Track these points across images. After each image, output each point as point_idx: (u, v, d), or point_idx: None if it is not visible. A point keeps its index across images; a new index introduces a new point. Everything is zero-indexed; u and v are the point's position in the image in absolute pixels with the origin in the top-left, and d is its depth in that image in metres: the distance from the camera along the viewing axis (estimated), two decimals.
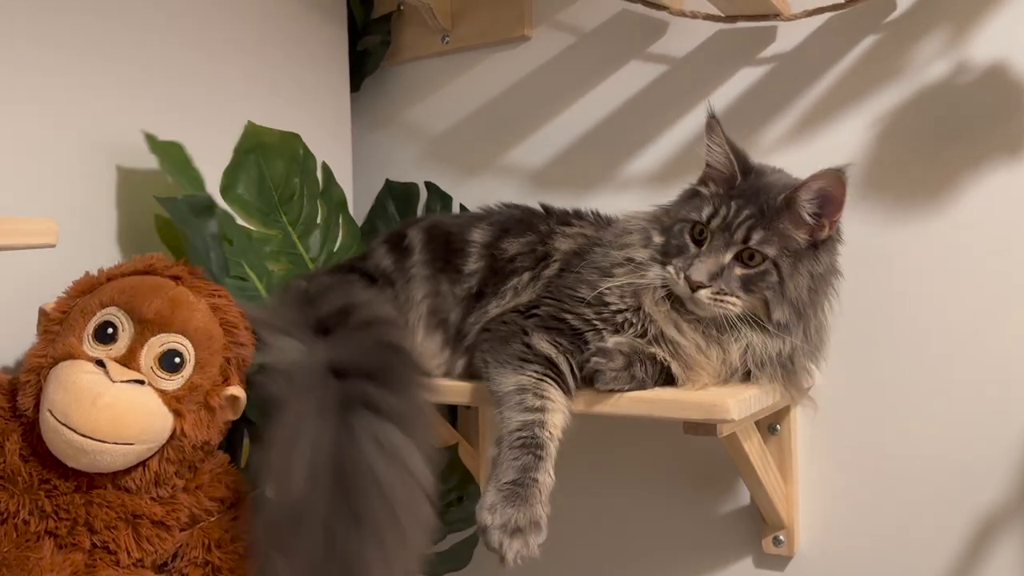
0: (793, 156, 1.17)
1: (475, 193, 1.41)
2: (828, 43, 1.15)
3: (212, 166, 1.12)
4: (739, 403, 0.88)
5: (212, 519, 0.93)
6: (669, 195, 1.24)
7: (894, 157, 1.12)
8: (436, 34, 1.44)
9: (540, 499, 0.86)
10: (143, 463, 0.87)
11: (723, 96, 1.22)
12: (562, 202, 1.18)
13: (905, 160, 1.11)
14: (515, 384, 0.94)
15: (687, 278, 0.94)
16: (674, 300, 0.96)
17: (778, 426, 1.15)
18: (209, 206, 1.01)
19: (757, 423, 1.08)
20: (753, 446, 1.05)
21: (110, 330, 0.87)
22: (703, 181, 1.02)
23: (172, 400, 0.87)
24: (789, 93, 1.18)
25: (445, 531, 1.31)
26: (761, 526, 1.18)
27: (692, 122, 1.24)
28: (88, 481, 0.86)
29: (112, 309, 0.88)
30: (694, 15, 1.17)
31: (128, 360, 0.86)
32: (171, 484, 0.90)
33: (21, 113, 0.98)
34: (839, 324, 1.13)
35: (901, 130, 1.11)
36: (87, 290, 0.91)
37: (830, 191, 0.93)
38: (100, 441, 0.82)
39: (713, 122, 0.99)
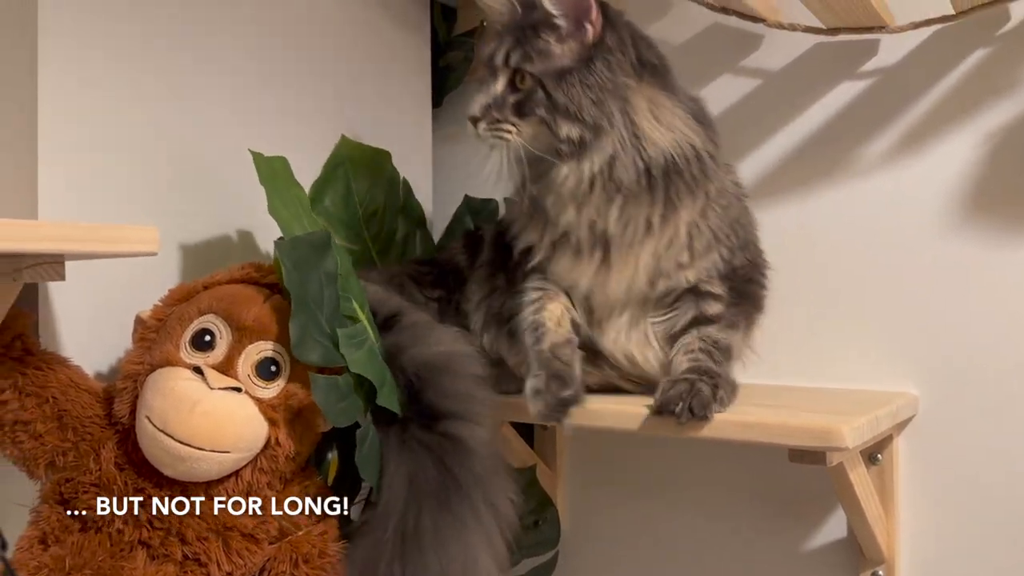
0: (897, 174, 1.13)
1: None
2: (935, 56, 1.11)
3: (301, 179, 1.12)
4: (853, 430, 0.84)
5: (300, 533, 0.91)
6: (765, 210, 1.21)
7: (1005, 175, 1.07)
8: None
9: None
10: (236, 473, 0.86)
11: (822, 110, 1.18)
12: None
13: (1017, 179, 1.06)
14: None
15: (468, 118, 0.96)
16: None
17: (879, 455, 1.10)
18: (327, 242, 0.95)
19: (860, 452, 1.03)
20: (858, 476, 1.00)
21: (208, 337, 0.86)
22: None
23: (268, 408, 0.86)
24: (892, 108, 1.14)
25: (521, 556, 1.27)
26: (859, 560, 1.12)
27: (788, 136, 1.21)
28: (182, 490, 0.85)
29: (210, 316, 0.87)
30: (793, 28, 1.13)
31: (226, 367, 0.86)
32: (263, 495, 0.88)
33: (124, 123, 0.98)
34: (943, 345, 1.08)
35: (1013, 148, 1.06)
36: (184, 298, 0.91)
37: None
38: (198, 448, 0.81)
39: None
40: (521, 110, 0.94)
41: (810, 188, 1.19)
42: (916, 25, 1.07)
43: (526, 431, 1.39)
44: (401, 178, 1.32)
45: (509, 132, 0.94)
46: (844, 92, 1.17)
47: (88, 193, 0.94)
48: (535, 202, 0.99)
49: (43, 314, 0.92)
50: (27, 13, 0.91)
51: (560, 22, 0.93)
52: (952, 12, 1.04)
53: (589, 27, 0.93)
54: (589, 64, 0.93)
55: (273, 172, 1.00)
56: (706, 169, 0.97)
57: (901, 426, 1.10)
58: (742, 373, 1.16)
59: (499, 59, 0.96)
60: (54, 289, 0.93)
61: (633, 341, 1.03)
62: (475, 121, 0.96)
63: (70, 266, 0.82)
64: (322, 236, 0.93)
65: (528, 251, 1.05)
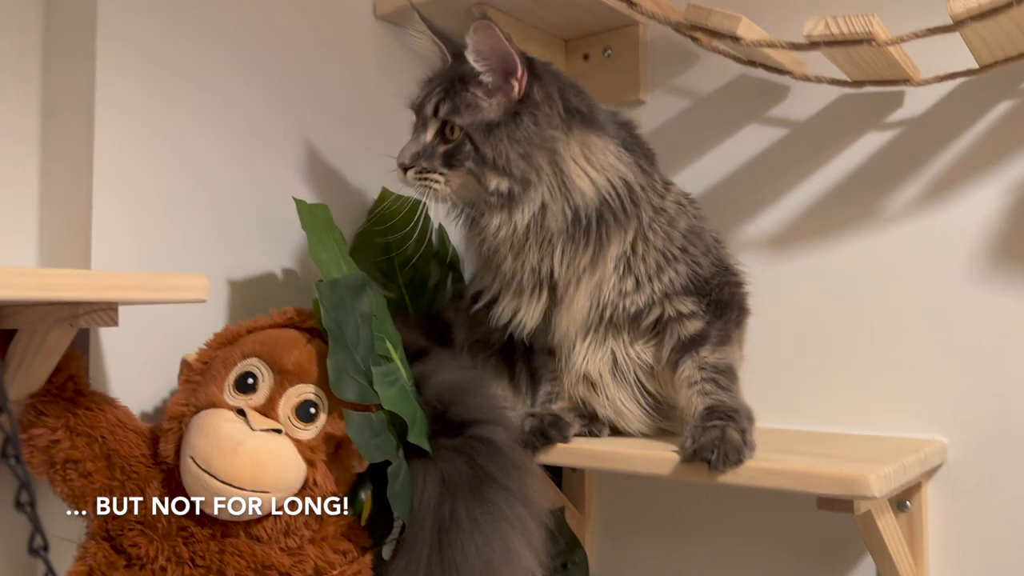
0: (924, 222, 1.14)
1: None
2: (960, 108, 1.13)
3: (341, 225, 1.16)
4: (880, 479, 0.85)
5: (335, 572, 0.93)
6: (789, 258, 1.23)
7: None
8: None
9: None
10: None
11: (848, 159, 1.20)
12: None
13: None
14: None
15: (398, 165, 0.99)
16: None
17: (908, 503, 1.10)
18: (363, 284, 0.99)
19: (888, 499, 1.03)
20: (886, 524, 1.00)
21: (250, 380, 0.90)
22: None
23: (306, 450, 0.89)
24: (918, 159, 1.15)
25: None
26: None
27: (814, 185, 1.23)
28: (223, 529, 0.88)
29: (253, 360, 0.91)
30: (819, 80, 1.16)
31: (267, 409, 0.89)
32: (299, 535, 0.91)
33: (174, 174, 1.03)
34: (972, 393, 1.08)
35: None
36: (229, 341, 0.94)
37: (488, 45, 0.95)
38: (239, 488, 0.84)
39: (411, 11, 1.03)
40: (450, 161, 0.97)
41: (838, 235, 1.21)
42: (941, 78, 1.09)
43: (555, 473, 1.40)
44: (432, 225, 1.36)
45: (437, 182, 0.97)
46: (871, 142, 1.19)
47: (139, 241, 0.99)
48: (483, 256, 1.05)
49: (93, 356, 0.96)
50: (86, 73, 0.96)
51: (486, 78, 0.96)
52: (977, 66, 1.06)
53: (515, 83, 0.96)
54: (516, 118, 0.95)
55: (314, 218, 1.04)
56: (637, 199, 1.01)
57: (930, 473, 1.11)
58: (769, 418, 1.18)
59: (429, 109, 0.98)
60: (104, 332, 0.97)
61: (595, 363, 1.07)
62: (404, 169, 0.99)
63: (120, 310, 0.85)
64: (359, 278, 0.96)
65: (479, 294, 1.10)
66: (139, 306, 0.94)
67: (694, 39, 1.16)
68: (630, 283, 1.03)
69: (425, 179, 0.97)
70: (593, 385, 1.08)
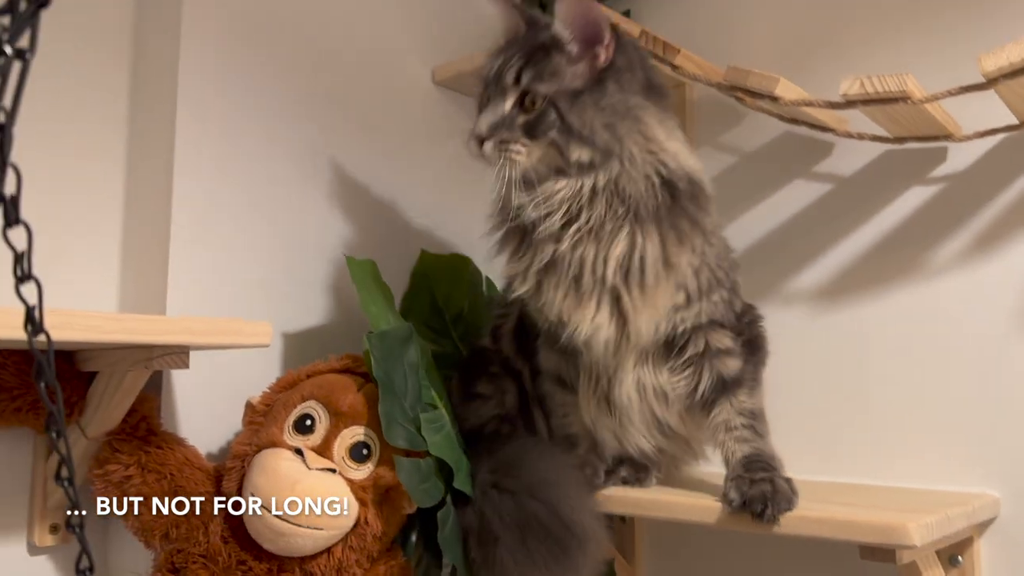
0: (971, 275, 1.15)
1: None
2: (1003, 162, 1.14)
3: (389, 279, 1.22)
4: (921, 528, 0.85)
5: None
6: (836, 310, 1.24)
7: None
8: None
9: None
10: (328, 550, 0.93)
11: (892, 214, 1.22)
12: None
13: None
14: None
15: (473, 136, 0.92)
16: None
17: (960, 557, 1.09)
18: (409, 336, 1.03)
19: (938, 552, 1.03)
20: None
21: (308, 421, 0.95)
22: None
23: (359, 489, 0.93)
24: (962, 213, 1.17)
25: None
26: None
27: (860, 238, 1.24)
28: (279, 565, 0.92)
29: (311, 403, 0.96)
30: (861, 136, 1.18)
31: (323, 450, 0.94)
32: (351, 572, 0.95)
33: (241, 228, 1.11)
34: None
35: None
36: (290, 385, 1.00)
37: (579, 10, 0.90)
38: (295, 525, 0.88)
39: (466, 76, 1.00)
40: (532, 131, 0.91)
41: (884, 289, 1.22)
42: (982, 134, 1.11)
43: None
44: (483, 277, 1.40)
45: (519, 152, 0.91)
46: (915, 196, 1.21)
47: (209, 292, 1.06)
48: (522, 227, 0.96)
49: (165, 399, 1.03)
50: (166, 140, 1.05)
51: (571, 46, 0.92)
52: (1016, 122, 1.08)
53: (601, 50, 0.92)
54: (601, 85, 0.91)
55: (363, 273, 1.10)
56: (709, 200, 0.97)
57: (982, 528, 1.09)
58: (815, 471, 1.18)
59: (509, 78, 0.92)
60: (175, 377, 1.04)
61: (627, 386, 1.03)
62: (481, 140, 0.92)
63: (190, 356, 0.92)
64: (406, 330, 1.02)
65: (511, 284, 1.00)
66: (207, 352, 1.01)
67: (737, 99, 1.21)
68: (682, 296, 0.97)
69: (506, 150, 0.91)
70: (610, 408, 1.05)
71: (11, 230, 0.39)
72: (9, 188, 0.38)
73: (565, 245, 0.93)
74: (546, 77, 0.91)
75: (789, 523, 0.91)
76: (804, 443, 1.24)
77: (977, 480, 1.11)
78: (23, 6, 0.31)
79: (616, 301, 0.95)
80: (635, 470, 1.10)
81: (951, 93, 0.98)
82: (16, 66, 0.33)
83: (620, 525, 1.44)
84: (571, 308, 0.95)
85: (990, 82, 0.94)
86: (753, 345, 1.05)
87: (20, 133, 0.38)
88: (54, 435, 0.46)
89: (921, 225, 1.20)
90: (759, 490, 0.92)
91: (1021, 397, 1.09)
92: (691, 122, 1.43)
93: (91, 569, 0.64)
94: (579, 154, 0.91)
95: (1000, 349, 1.12)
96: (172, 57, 1.06)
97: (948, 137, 1.12)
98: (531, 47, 0.93)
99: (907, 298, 1.20)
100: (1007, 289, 1.12)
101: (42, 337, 0.43)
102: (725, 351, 1.01)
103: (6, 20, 0.32)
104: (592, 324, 0.95)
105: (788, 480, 0.95)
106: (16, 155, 0.38)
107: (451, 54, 1.38)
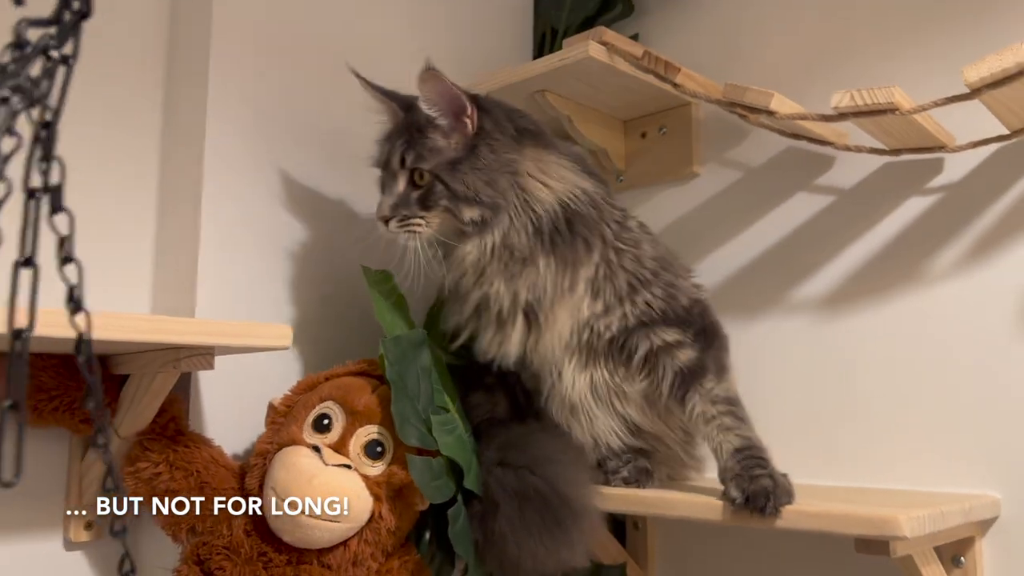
0: (969, 281, 1.18)
1: None
2: (998, 172, 1.17)
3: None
4: (911, 520, 0.88)
5: None
6: (842, 318, 1.28)
7: None
8: (611, 174, 1.58)
9: None
10: (344, 543, 0.98)
11: (892, 224, 1.25)
12: (731, 325, 1.24)
13: None
14: None
15: (378, 218, 1.05)
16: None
17: (962, 558, 1.11)
18: (423, 341, 1.10)
19: (939, 551, 1.05)
20: (933, 574, 1.01)
21: (326, 420, 1.01)
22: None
23: (373, 485, 0.98)
24: (960, 222, 1.20)
25: None
26: None
27: (863, 248, 1.28)
28: (298, 556, 0.97)
29: (329, 403, 1.02)
30: (859, 149, 1.23)
31: (339, 447, 0.99)
32: (367, 566, 0.99)
33: (265, 240, 1.18)
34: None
35: None
36: (310, 388, 1.06)
37: (437, 91, 1.02)
38: (312, 517, 0.93)
39: (356, 76, 1.10)
40: (426, 203, 1.04)
41: (885, 295, 1.25)
42: (974, 144, 1.15)
43: (618, 530, 1.45)
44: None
45: (419, 225, 1.04)
46: (913, 206, 1.24)
47: (235, 300, 1.13)
48: (452, 286, 1.10)
49: (192, 402, 1.09)
50: (196, 156, 1.13)
51: (441, 121, 1.05)
52: (1006, 132, 1.11)
53: (467, 120, 1.05)
54: (475, 151, 1.04)
55: (379, 282, 1.15)
56: (598, 206, 1.07)
57: (983, 527, 1.11)
58: (818, 474, 1.21)
59: (395, 162, 1.06)
60: (202, 380, 1.10)
61: (579, 386, 1.12)
62: (386, 220, 1.05)
63: (216, 361, 0.98)
64: (419, 335, 1.07)
65: (456, 334, 1.15)
66: (232, 357, 1.07)
67: (740, 115, 1.26)
68: (600, 305, 1.09)
69: (407, 225, 1.04)
70: (574, 409, 1.13)
71: (55, 216, 0.45)
72: (53, 180, 0.44)
73: (480, 291, 1.07)
74: (426, 155, 1.04)
75: (789, 517, 0.95)
76: (808, 447, 1.27)
77: (978, 482, 1.13)
78: (67, 16, 0.37)
79: (528, 325, 1.09)
80: (636, 471, 1.15)
81: (937, 104, 1.02)
82: (61, 70, 0.39)
83: (633, 531, 1.47)
84: (496, 340, 1.10)
85: (974, 92, 0.98)
86: (707, 334, 1.11)
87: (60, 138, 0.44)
88: (101, 447, 0.51)
89: (920, 234, 1.23)
90: (760, 485, 0.96)
91: (1019, 399, 1.12)
92: (697, 140, 1.48)
93: (132, 571, 0.69)
94: (470, 213, 1.03)
95: (999, 352, 1.14)
96: (202, 66, 1.14)
97: (942, 148, 1.16)
98: (410, 130, 1.07)
99: (907, 304, 1.23)
100: (1005, 293, 1.15)
101: (81, 318, 0.49)
102: (675, 344, 1.08)
103: (52, 29, 0.38)
104: (511, 345, 1.10)
105: (785, 475, 0.98)
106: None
107: (481, 66, 1.46)
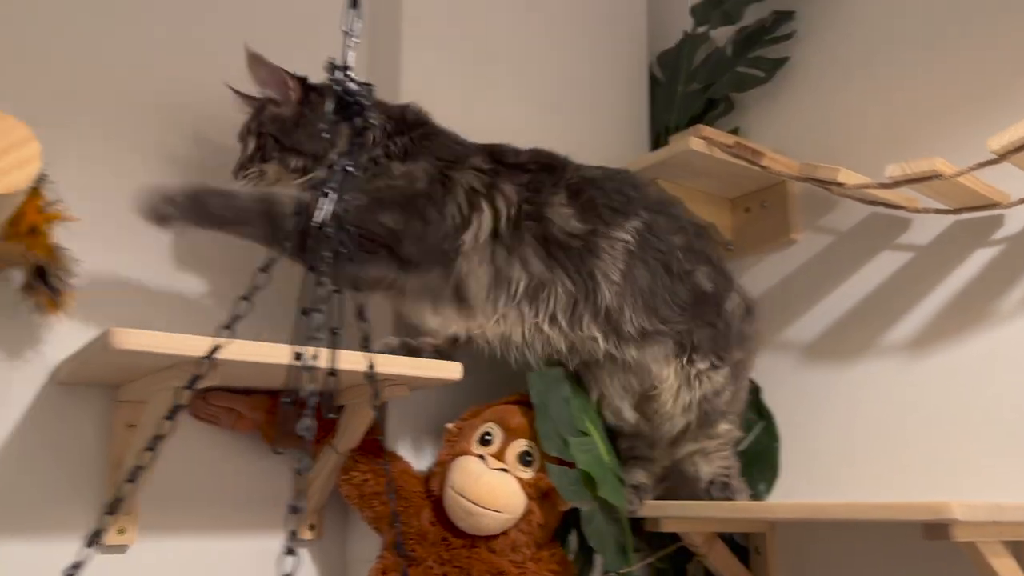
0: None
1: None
2: None
3: None
4: (963, 506, 1.04)
5: None
6: (925, 358, 1.47)
7: None
8: (722, 244, 1.83)
9: None
10: (505, 532, 1.26)
11: (962, 276, 1.45)
12: (824, 374, 1.46)
13: None
14: None
15: (232, 175, 1.34)
16: None
17: None
18: (561, 377, 1.36)
19: (1012, 547, 1.17)
20: (1004, 566, 1.15)
21: (488, 436, 1.31)
22: None
23: (526, 486, 1.27)
24: (1021, 269, 1.38)
25: None
26: None
27: (939, 295, 1.47)
28: (471, 541, 1.26)
29: (490, 423, 1.32)
30: (926, 211, 1.44)
31: (499, 456, 1.29)
32: (523, 552, 1.27)
33: None
34: None
35: None
36: (475, 415, 1.36)
37: (262, 73, 1.31)
38: (481, 507, 1.23)
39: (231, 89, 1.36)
40: (264, 156, 1.31)
41: (957, 338, 1.44)
42: (1022, 201, 1.34)
43: (740, 552, 1.64)
44: None
45: (255, 174, 1.31)
46: (980, 257, 1.43)
47: None
48: None
49: (389, 430, 1.42)
50: None
51: (274, 95, 1.32)
52: None
53: (291, 92, 1.31)
54: (302, 115, 1.30)
55: (546, 385, 1.40)
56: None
57: None
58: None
59: (244, 131, 1.34)
60: (392, 414, 1.43)
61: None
62: (234, 174, 1.32)
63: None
64: (559, 372, 1.36)
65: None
66: (414, 396, 1.39)
67: (825, 188, 1.51)
68: None
69: (247, 175, 1.31)
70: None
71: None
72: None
73: None
74: (265, 120, 1.32)
75: (856, 509, 1.14)
76: (895, 467, 1.45)
77: None
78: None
79: None
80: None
81: (972, 168, 1.24)
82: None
83: (756, 556, 1.65)
84: None
85: (1001, 157, 1.19)
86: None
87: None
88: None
89: (987, 281, 1.42)
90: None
91: None
92: (793, 212, 1.72)
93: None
94: (294, 162, 1.30)
95: None
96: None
97: (996, 205, 1.36)
98: (257, 109, 1.35)
99: (980, 343, 1.41)
100: None
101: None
102: None
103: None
104: None
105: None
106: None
107: (603, 158, 1.76)
